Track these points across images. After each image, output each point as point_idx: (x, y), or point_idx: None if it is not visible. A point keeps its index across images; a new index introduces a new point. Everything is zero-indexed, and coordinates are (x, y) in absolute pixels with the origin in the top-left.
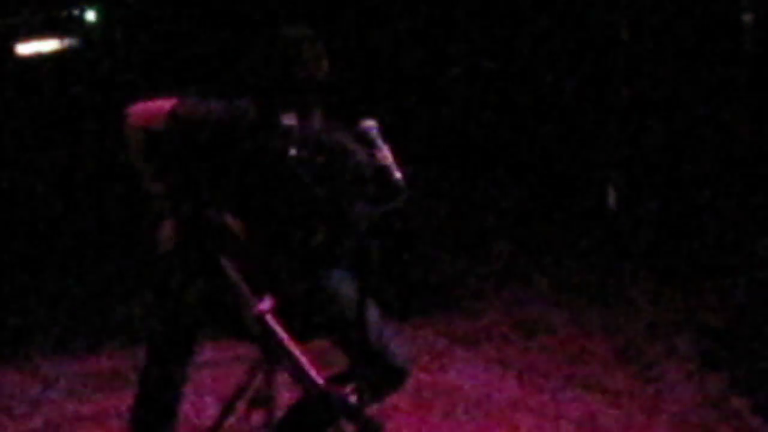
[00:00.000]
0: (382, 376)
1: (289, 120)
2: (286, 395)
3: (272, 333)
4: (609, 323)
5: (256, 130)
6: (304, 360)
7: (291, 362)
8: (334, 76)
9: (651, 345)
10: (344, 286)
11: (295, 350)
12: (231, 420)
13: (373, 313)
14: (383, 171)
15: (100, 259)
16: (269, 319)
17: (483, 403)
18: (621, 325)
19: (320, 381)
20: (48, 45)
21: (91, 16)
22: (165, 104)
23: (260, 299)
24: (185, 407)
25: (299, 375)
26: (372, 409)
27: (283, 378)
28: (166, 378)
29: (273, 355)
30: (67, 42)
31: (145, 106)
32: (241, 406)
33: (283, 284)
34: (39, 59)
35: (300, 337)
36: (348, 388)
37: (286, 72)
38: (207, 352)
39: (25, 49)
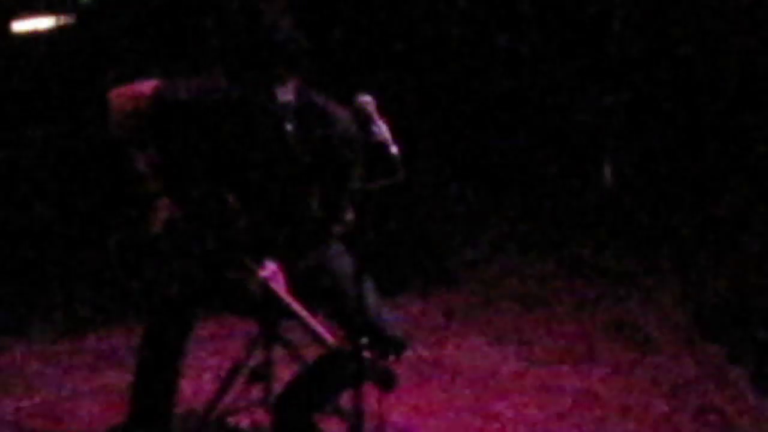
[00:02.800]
0: (380, 347)
1: (285, 95)
2: (284, 370)
3: (277, 297)
4: (607, 297)
5: (250, 109)
6: (312, 320)
7: (299, 322)
8: (314, 44)
9: (649, 318)
10: (342, 260)
11: (302, 311)
12: (230, 395)
13: (369, 287)
14: (380, 146)
15: (96, 236)
16: (273, 284)
17: (481, 378)
18: (619, 298)
19: (330, 338)
20: (44, 23)
21: None
22: (148, 85)
23: (262, 267)
24: (184, 383)
25: (311, 334)
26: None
27: (280, 353)
28: (164, 354)
29: (271, 330)
30: (62, 20)
31: (129, 87)
32: (239, 381)
33: (283, 256)
34: (35, 36)
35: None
36: (360, 344)
37: (241, 36)
38: (205, 328)
39: (21, 26)
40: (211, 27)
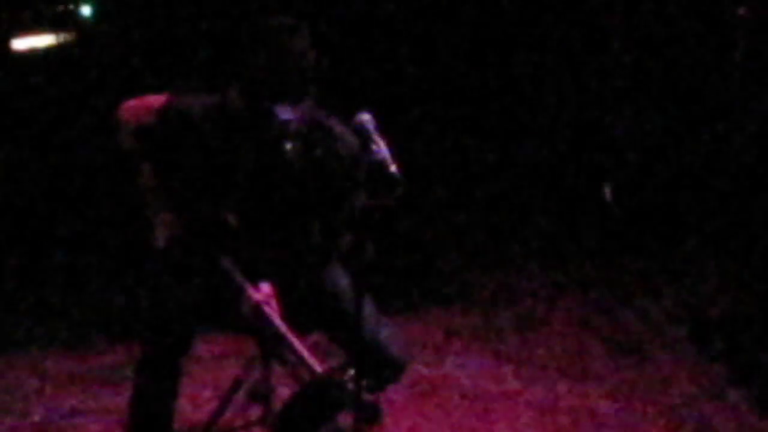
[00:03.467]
0: (379, 368)
1: (285, 114)
2: (283, 389)
3: (268, 322)
4: (606, 315)
5: (249, 123)
6: (301, 347)
7: (288, 350)
8: (326, 67)
9: (649, 337)
10: (341, 281)
11: (293, 338)
12: (228, 414)
13: (369, 308)
14: (379, 165)
15: (96, 254)
16: (265, 308)
17: (480, 396)
18: (618, 317)
19: (318, 368)
20: (43, 40)
21: (86, 10)
22: (155, 100)
23: (256, 289)
24: (182, 401)
25: (297, 362)
26: (369, 400)
27: (280, 372)
28: (162, 372)
29: (270, 348)
30: (62, 37)
31: (136, 102)
32: (238, 400)
33: (281, 277)
34: (34, 54)
35: (298, 331)
36: (346, 376)
37: (272, 62)
38: (204, 346)
39: (21, 44)
40: (231, 49)
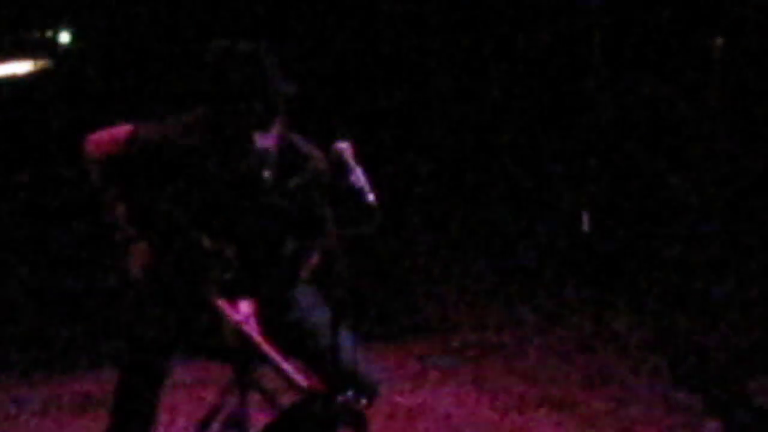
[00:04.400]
0: (354, 391)
1: (263, 141)
2: (259, 416)
3: (250, 340)
4: (583, 345)
5: (226, 152)
6: (285, 364)
7: (272, 366)
8: (296, 91)
9: (625, 367)
10: (317, 311)
11: (275, 355)
12: None
13: (345, 335)
14: (356, 193)
15: (69, 282)
16: (245, 327)
17: (457, 426)
18: (595, 347)
19: (303, 381)
20: (22, 67)
21: (65, 38)
22: (122, 130)
23: (236, 309)
24: (159, 429)
25: (284, 378)
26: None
27: (255, 399)
28: (140, 399)
29: (246, 373)
30: (40, 63)
31: (103, 133)
32: (214, 427)
33: (257, 296)
34: (12, 81)
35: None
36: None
37: (235, 86)
38: (180, 374)
39: (3, 69)
40: (197, 72)
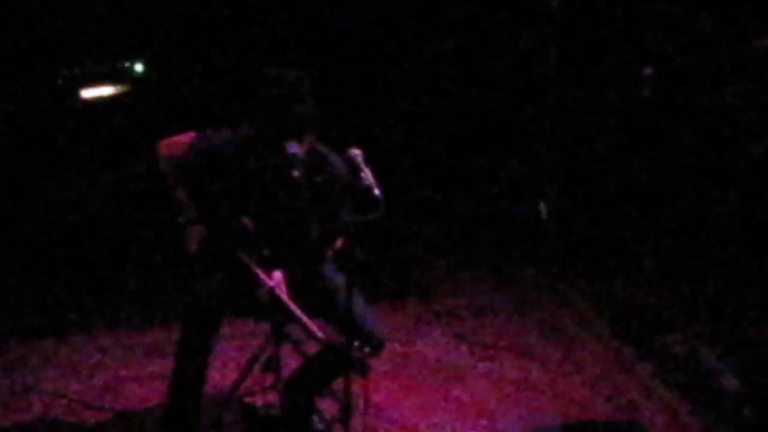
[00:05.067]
0: (364, 342)
1: (292, 148)
2: (289, 362)
3: (281, 302)
4: (542, 307)
5: (267, 157)
6: (308, 321)
7: (297, 323)
8: (324, 111)
9: (575, 324)
10: (336, 277)
11: (301, 314)
12: (247, 381)
13: (358, 299)
14: (366, 189)
15: (146, 255)
16: (277, 291)
17: (442, 369)
18: (552, 308)
19: (322, 336)
20: (106, 90)
21: (138, 67)
22: (185, 138)
23: (270, 277)
24: (212, 372)
25: (307, 332)
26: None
27: (287, 348)
28: (197, 349)
29: (280, 329)
30: (120, 88)
31: (171, 139)
32: (255, 370)
33: (289, 268)
34: (99, 102)
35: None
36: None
37: (280, 111)
38: (228, 329)
39: (89, 93)
40: (246, 95)
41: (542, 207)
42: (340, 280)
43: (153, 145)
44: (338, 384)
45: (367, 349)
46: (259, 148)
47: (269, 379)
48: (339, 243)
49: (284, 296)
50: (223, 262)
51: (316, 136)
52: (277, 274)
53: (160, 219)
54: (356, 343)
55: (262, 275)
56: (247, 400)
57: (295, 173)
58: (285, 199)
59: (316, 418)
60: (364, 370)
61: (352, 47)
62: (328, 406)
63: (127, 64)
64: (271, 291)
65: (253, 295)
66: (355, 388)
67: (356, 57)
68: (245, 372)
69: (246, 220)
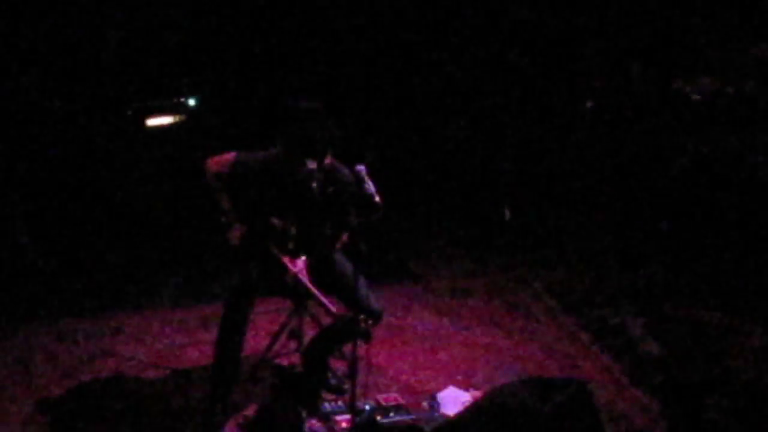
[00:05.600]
0: (366, 316)
1: (311, 165)
2: (309, 331)
3: (303, 284)
4: (507, 289)
5: (291, 171)
6: (324, 299)
7: (315, 300)
8: (340, 135)
9: (532, 302)
10: (345, 265)
11: (318, 293)
12: (276, 346)
13: (362, 281)
14: (369, 197)
15: (198, 247)
16: (300, 275)
17: (428, 337)
18: (514, 290)
19: (334, 310)
20: (166, 119)
21: (192, 102)
22: (228, 156)
23: (294, 263)
24: (248, 339)
25: (323, 308)
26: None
27: (306, 320)
28: (236, 321)
29: (301, 305)
30: (177, 118)
31: (216, 157)
32: (281, 338)
33: (309, 256)
34: (160, 129)
35: (322, 290)
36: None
37: (304, 135)
38: (260, 305)
39: (152, 122)
40: (280, 124)
41: (506, 211)
42: (347, 266)
43: (202, 162)
44: (347, 348)
45: (369, 321)
46: (286, 165)
47: (293, 345)
48: (346, 237)
49: (306, 279)
50: (257, 253)
51: (331, 154)
52: (300, 262)
53: (209, 219)
54: (361, 317)
55: (288, 263)
56: (276, 360)
57: (313, 184)
58: (305, 205)
59: (329, 375)
60: (367, 337)
61: (365, 81)
62: (338, 366)
63: (183, 99)
64: (295, 275)
65: (281, 278)
66: (360, 351)
67: (367, 88)
68: (274, 339)
69: (275, 220)
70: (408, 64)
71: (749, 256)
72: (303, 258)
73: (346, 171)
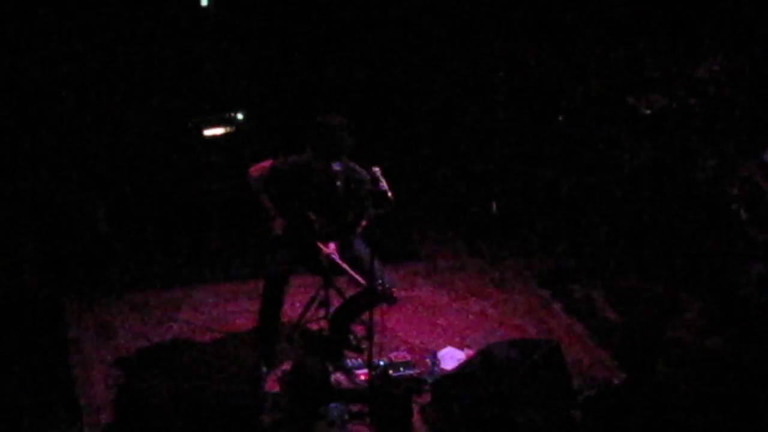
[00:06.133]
0: (382, 294)
1: (336, 167)
2: (335, 302)
3: (336, 263)
4: (495, 267)
5: (320, 172)
6: (355, 273)
7: (348, 275)
8: (357, 141)
9: (514, 278)
10: (363, 249)
11: (349, 269)
12: (308, 313)
13: (377, 260)
14: (383, 194)
15: (249, 236)
16: (333, 256)
17: (430, 307)
18: (501, 268)
19: (363, 281)
20: (219, 131)
21: (240, 116)
22: (268, 163)
23: (327, 247)
24: (286, 308)
25: (353, 280)
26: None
27: (333, 293)
28: (276, 293)
29: (329, 280)
30: (228, 129)
31: (257, 165)
32: (312, 307)
33: (338, 240)
34: (214, 139)
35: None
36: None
37: (331, 143)
38: (295, 281)
39: (208, 132)
40: (312, 135)
41: (494, 205)
42: (365, 248)
43: (245, 170)
44: (365, 316)
45: (387, 286)
46: (316, 168)
47: (321, 313)
48: (364, 225)
49: (338, 259)
50: (296, 240)
51: (350, 156)
52: (332, 245)
53: (252, 214)
54: (379, 282)
55: (322, 246)
56: (308, 325)
57: (338, 183)
58: (331, 199)
59: (351, 337)
60: (392, 300)
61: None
62: (358, 330)
63: (232, 114)
64: (329, 256)
65: (317, 259)
66: (376, 318)
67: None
68: (307, 307)
69: (310, 214)
70: (407, 85)
71: (690, 242)
72: (334, 242)
73: (363, 172)
